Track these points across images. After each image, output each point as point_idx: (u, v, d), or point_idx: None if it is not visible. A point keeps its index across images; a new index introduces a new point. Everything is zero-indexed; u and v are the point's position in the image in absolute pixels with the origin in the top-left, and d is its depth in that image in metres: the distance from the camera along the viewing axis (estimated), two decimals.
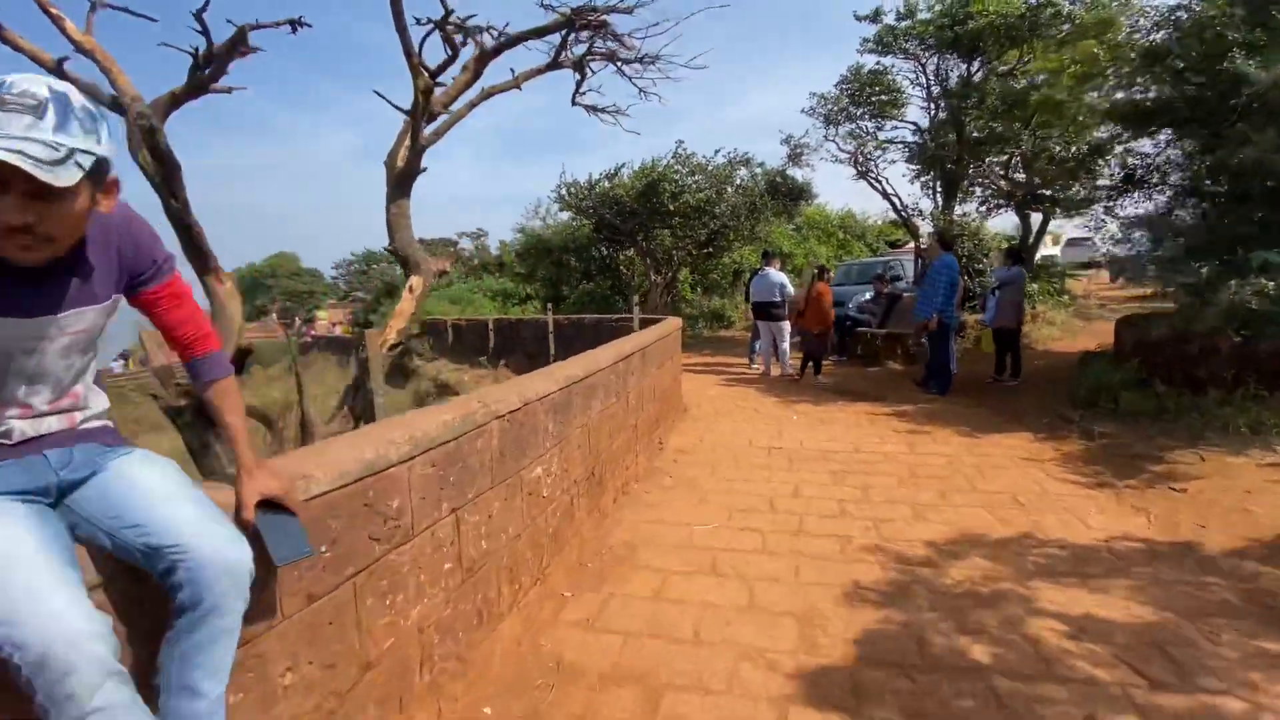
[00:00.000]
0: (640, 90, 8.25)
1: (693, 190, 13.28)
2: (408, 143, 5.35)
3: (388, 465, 1.86)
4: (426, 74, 5.14)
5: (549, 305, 14.55)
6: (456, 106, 5.76)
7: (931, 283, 7.14)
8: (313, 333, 33.80)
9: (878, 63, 13.91)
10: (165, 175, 4.63)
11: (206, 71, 4.75)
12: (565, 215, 17.79)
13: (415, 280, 4.94)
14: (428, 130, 5.47)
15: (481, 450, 2.40)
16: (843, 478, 4.68)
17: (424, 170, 5.32)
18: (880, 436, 5.86)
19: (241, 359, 4.39)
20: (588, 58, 7.47)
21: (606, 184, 14.29)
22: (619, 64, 7.70)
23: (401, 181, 5.23)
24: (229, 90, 5.31)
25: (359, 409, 4.08)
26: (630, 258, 16.40)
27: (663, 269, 15.76)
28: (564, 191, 14.56)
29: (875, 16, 13.23)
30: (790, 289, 8.97)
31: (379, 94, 4.51)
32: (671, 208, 13.17)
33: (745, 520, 3.88)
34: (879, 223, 27.19)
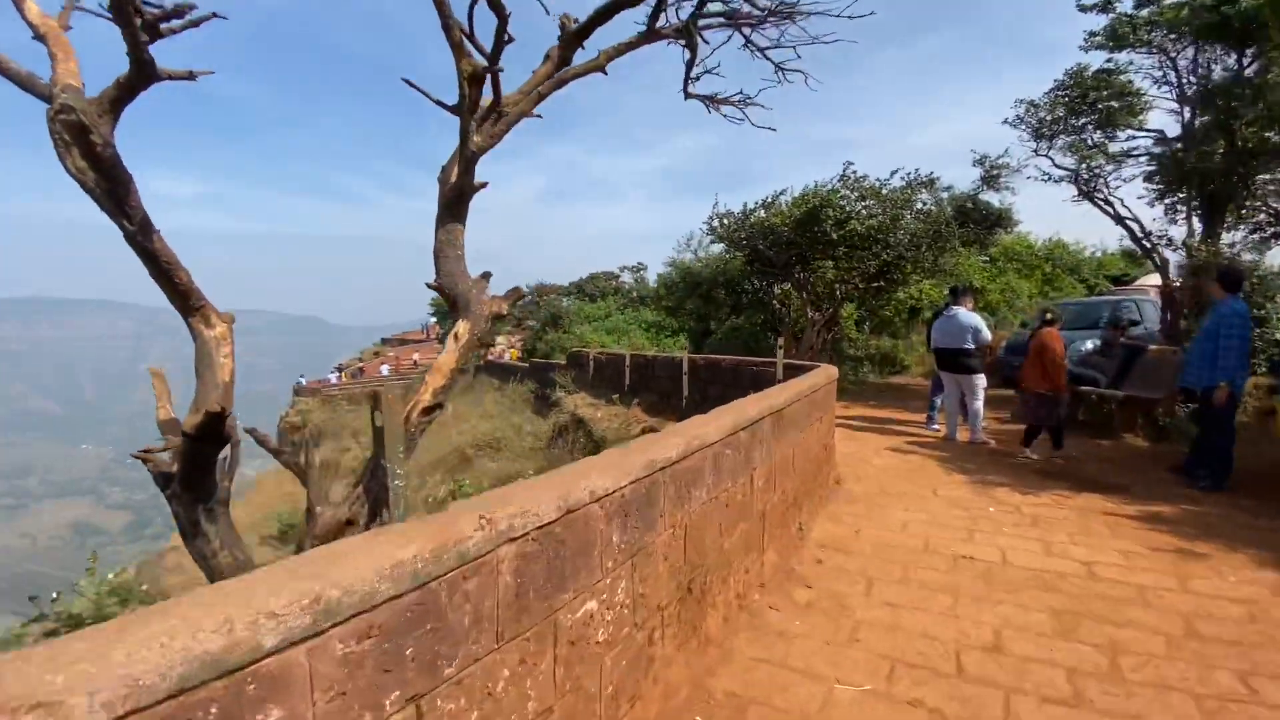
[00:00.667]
0: (777, 68, 6.59)
1: (862, 217, 11.74)
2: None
3: (252, 660, 1.07)
4: (478, 54, 3.82)
5: (694, 341, 13.81)
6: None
7: (1215, 335, 5.08)
8: (490, 356, 36.60)
9: (1108, 60, 11.39)
10: (111, 189, 3.61)
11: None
12: (718, 248, 17.02)
13: (461, 327, 3.82)
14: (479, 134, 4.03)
15: (477, 595, 1.55)
16: (1073, 625, 3.14)
17: (483, 187, 4.12)
18: (1126, 554, 4.09)
19: (214, 425, 3.52)
20: (697, 21, 5.65)
21: (762, 213, 13.24)
22: (740, 26, 5.97)
23: (453, 202, 4.10)
24: (190, 76, 3.95)
25: (375, 491, 3.53)
26: (786, 292, 15.08)
27: (823, 304, 14.22)
28: (716, 223, 13.77)
29: (1106, 5, 10.84)
30: (986, 334, 7.20)
31: (409, 83, 3.58)
32: (835, 236, 11.72)
33: (914, 687, 2.61)
34: (1100, 254, 22.79)
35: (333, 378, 40.56)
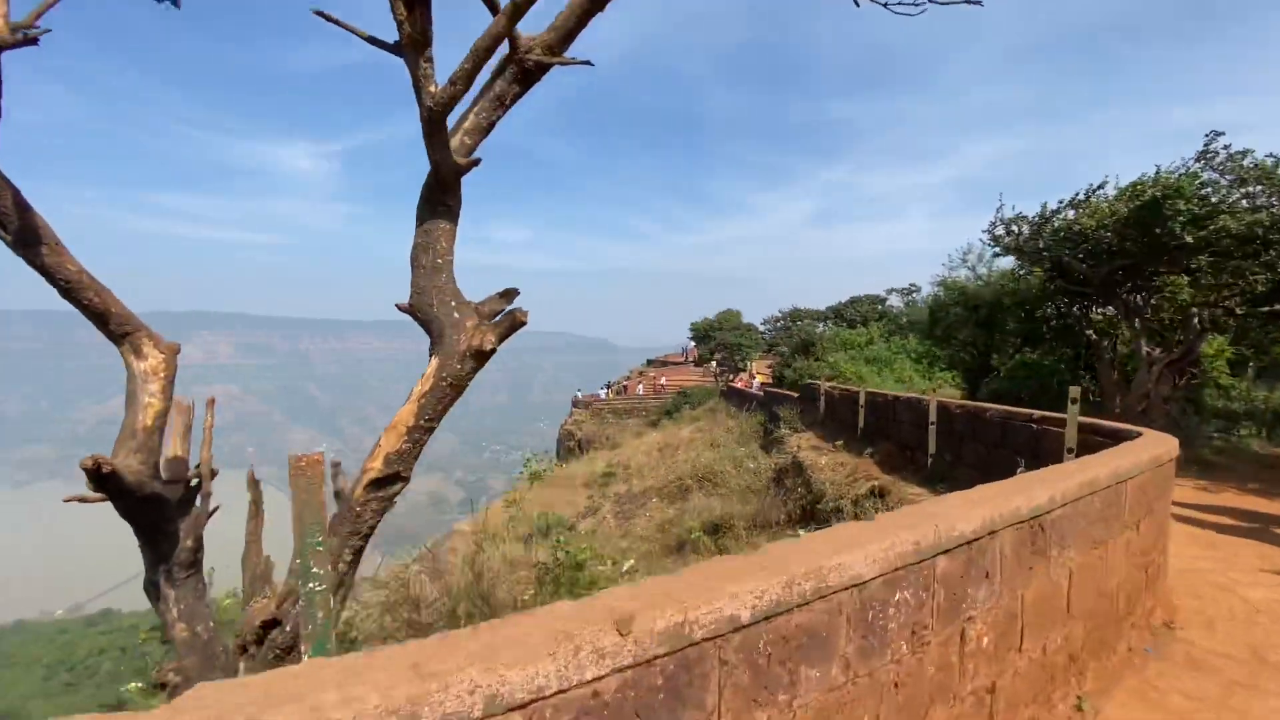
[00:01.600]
0: None
1: (1240, 212, 7.99)
2: (467, 121, 2.79)
3: None
4: None
5: (969, 380, 11.21)
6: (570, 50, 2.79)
7: None
8: (737, 382, 36.13)
9: None
10: None
11: None
12: (1006, 261, 13.68)
13: (432, 365, 2.71)
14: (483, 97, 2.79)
15: None
16: None
17: (473, 165, 2.74)
18: None
19: (127, 482, 2.72)
20: None
21: (1070, 214, 10.08)
22: None
23: (433, 190, 2.78)
24: (35, 35, 2.59)
25: (293, 590, 2.55)
26: (1107, 319, 11.27)
27: (1170, 337, 10.27)
28: (1001, 229, 10.96)
29: None
30: None
31: (323, 15, 2.29)
32: (1191, 240, 8.17)
33: None
34: None
35: (602, 393, 44.86)
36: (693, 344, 59.31)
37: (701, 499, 10.40)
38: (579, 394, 45.33)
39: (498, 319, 2.80)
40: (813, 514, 7.26)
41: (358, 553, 2.73)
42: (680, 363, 61.86)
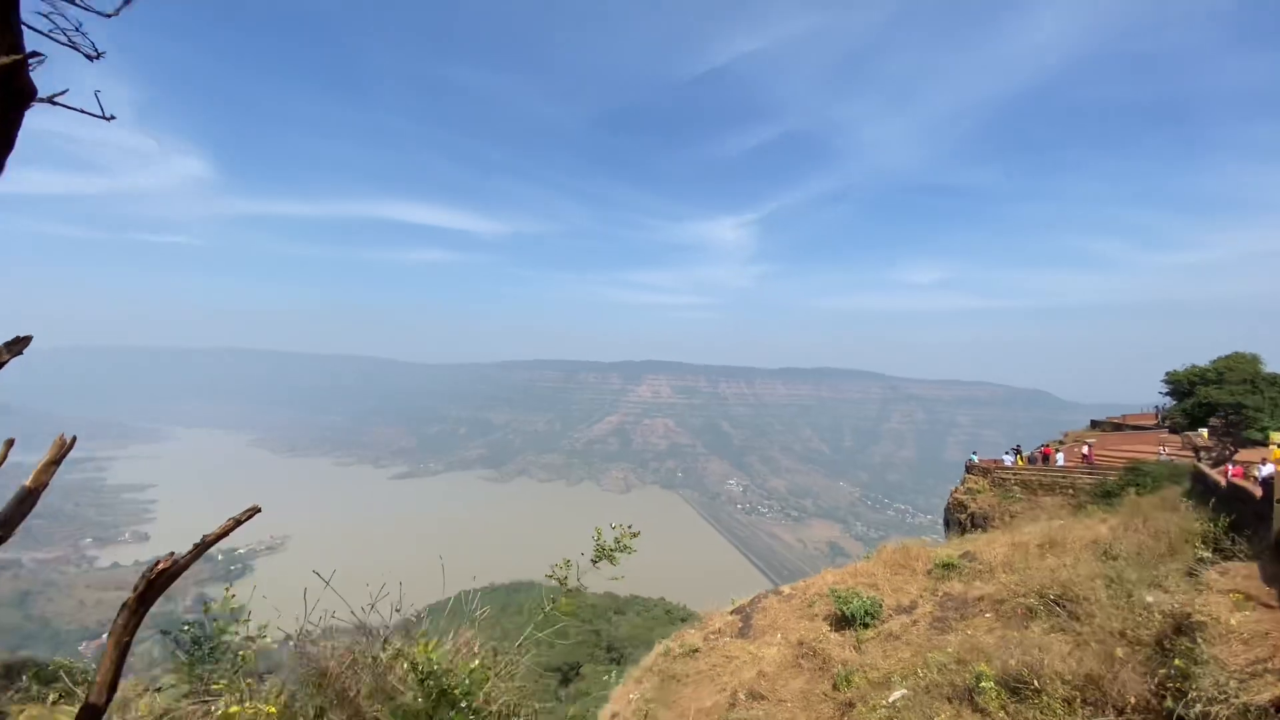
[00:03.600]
0: None
1: None
2: None
3: None
4: None
5: None
6: None
7: None
8: (1229, 469, 22.69)
9: None
10: None
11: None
12: None
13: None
14: None
15: None
16: None
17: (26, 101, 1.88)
18: None
19: None
20: None
21: None
22: None
23: None
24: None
25: None
26: None
27: None
28: None
29: None
30: None
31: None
32: None
33: None
34: None
35: (1007, 459, 36.84)
36: (1170, 402, 44.15)
37: (1040, 630, 7.22)
38: (974, 458, 38.36)
39: None
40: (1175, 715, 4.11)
41: None
42: (1147, 426, 46.43)
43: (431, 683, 2.94)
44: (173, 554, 2.67)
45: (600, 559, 4.12)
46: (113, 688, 2.63)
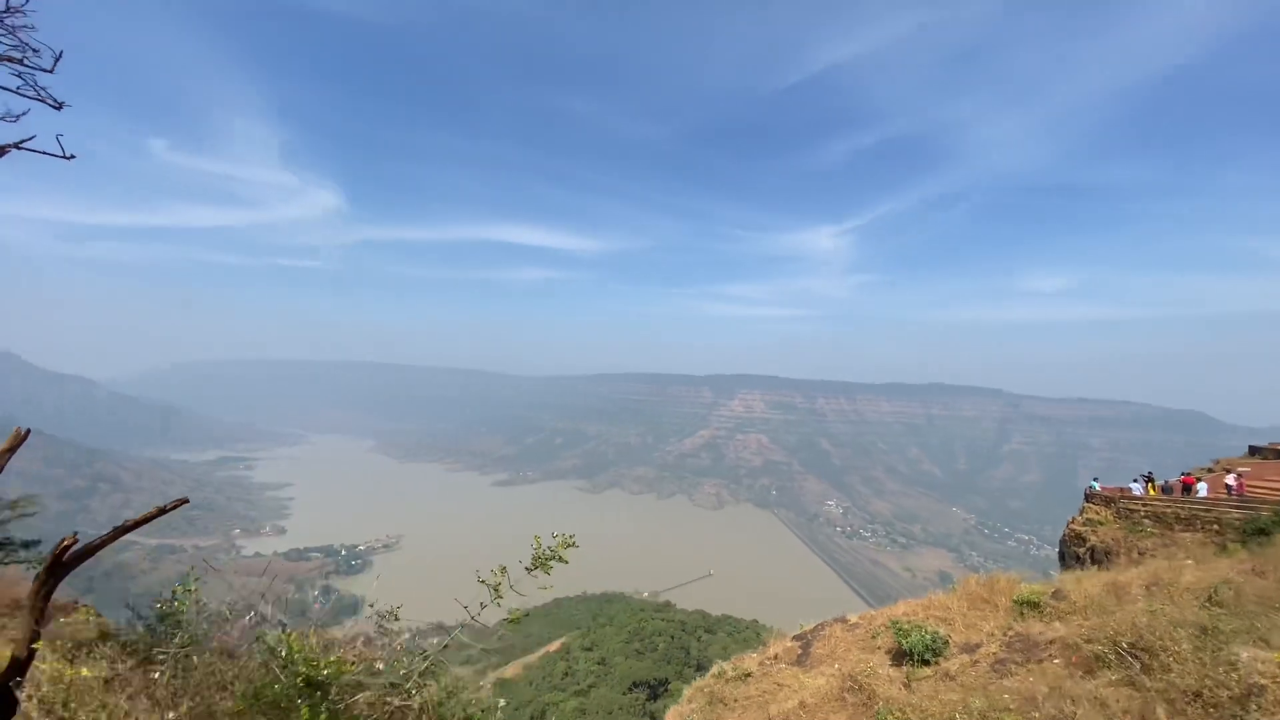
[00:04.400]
0: None
1: None
2: None
3: None
4: None
5: None
6: None
7: None
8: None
9: None
10: None
11: None
12: None
13: None
14: None
15: None
16: None
17: None
18: None
19: None
20: None
21: None
22: None
23: None
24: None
25: None
26: None
27: None
28: None
29: None
30: None
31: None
32: None
33: None
34: None
35: (1135, 488, 32.59)
36: None
37: (1105, 682, 6.22)
38: (1095, 485, 34.24)
39: None
40: None
41: None
42: None
43: (294, 670, 3.06)
44: (75, 534, 2.93)
45: (536, 567, 4.06)
46: (31, 642, 2.93)
